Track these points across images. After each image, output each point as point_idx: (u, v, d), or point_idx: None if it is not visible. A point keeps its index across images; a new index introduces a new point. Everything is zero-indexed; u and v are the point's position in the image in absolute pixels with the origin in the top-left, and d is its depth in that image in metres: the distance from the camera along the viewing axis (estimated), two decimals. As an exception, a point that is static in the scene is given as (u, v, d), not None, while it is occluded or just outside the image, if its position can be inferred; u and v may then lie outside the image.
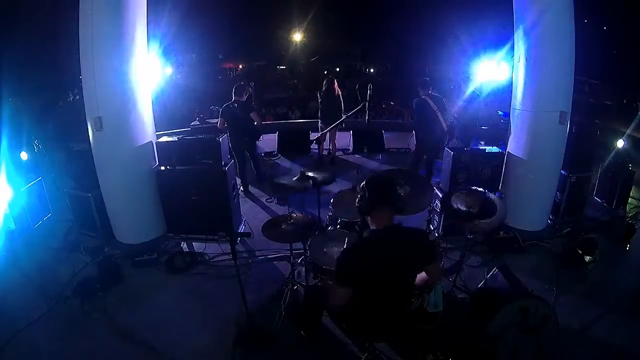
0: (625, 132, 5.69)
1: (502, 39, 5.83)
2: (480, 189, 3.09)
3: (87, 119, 3.68)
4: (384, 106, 7.78)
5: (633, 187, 4.96)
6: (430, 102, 5.19)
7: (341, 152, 7.49)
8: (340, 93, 6.49)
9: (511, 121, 4.23)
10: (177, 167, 3.97)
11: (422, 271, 2.25)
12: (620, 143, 5.13)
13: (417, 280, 2.27)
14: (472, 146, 6.02)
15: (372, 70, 23.26)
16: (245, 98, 5.35)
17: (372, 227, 2.16)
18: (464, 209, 2.96)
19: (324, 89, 6.44)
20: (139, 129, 3.86)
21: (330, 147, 6.97)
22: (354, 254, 2.14)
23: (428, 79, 5.43)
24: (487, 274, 3.18)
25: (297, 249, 3.40)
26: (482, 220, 2.85)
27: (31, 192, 4.56)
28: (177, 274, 3.73)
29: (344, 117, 5.93)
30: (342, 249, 2.23)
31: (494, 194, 3.05)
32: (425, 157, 5.62)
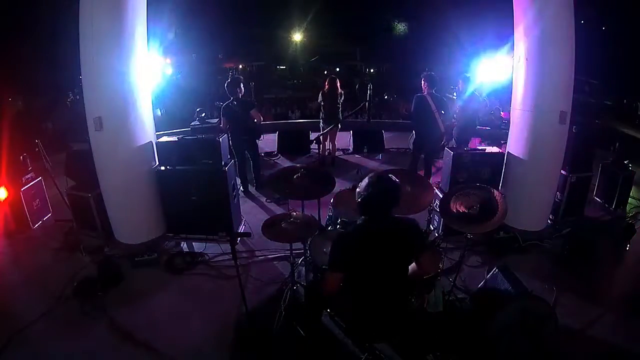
0: (625, 133, 5.69)
1: (502, 39, 5.82)
2: (483, 185, 3.08)
3: (87, 119, 3.69)
4: (386, 97, 7.74)
5: (633, 187, 4.96)
6: (430, 101, 5.12)
7: (341, 152, 7.49)
8: (342, 92, 6.45)
9: (511, 121, 4.23)
10: (177, 167, 3.97)
11: (413, 261, 2.25)
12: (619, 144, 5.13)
13: (410, 273, 2.26)
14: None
15: (372, 70, 23.24)
16: (240, 93, 5.15)
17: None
18: (464, 210, 2.95)
19: (326, 89, 6.36)
20: (139, 129, 3.85)
21: (330, 148, 6.96)
22: (349, 239, 2.16)
23: (434, 74, 5.22)
24: (487, 274, 3.18)
25: (297, 249, 3.40)
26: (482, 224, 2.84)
27: (31, 192, 4.57)
28: (177, 274, 3.73)
29: (341, 117, 5.93)
30: (338, 234, 2.24)
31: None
32: (423, 156, 5.61)
